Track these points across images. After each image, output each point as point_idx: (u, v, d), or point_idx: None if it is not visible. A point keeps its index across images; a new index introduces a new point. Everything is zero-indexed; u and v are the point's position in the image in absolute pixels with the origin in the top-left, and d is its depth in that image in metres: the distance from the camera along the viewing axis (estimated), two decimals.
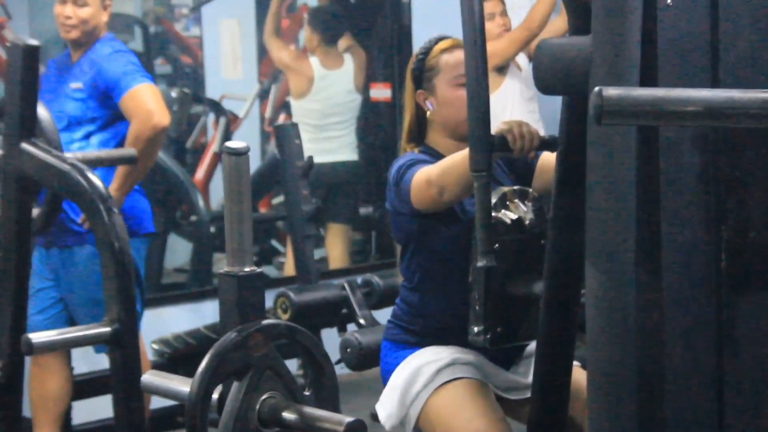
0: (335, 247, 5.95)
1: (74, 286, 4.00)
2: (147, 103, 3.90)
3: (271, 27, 5.78)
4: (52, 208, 2.91)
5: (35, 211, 2.90)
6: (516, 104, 5.10)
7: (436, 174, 2.68)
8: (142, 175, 4.01)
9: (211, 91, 6.46)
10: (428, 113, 2.88)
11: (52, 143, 2.81)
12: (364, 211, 5.96)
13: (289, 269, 5.75)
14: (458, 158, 2.61)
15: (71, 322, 4.05)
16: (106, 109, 3.99)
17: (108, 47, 4.04)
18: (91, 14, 4.01)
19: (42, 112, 2.83)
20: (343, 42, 5.94)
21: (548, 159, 2.96)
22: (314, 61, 5.79)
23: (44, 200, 2.90)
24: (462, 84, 2.81)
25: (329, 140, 5.51)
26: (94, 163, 3.14)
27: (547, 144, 2.61)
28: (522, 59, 5.22)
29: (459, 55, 2.83)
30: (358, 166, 6.00)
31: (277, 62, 5.99)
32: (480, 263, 2.48)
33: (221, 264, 2.27)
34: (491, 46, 5.01)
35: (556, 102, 2.08)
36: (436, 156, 2.85)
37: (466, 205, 2.79)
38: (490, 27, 5.10)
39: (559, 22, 4.98)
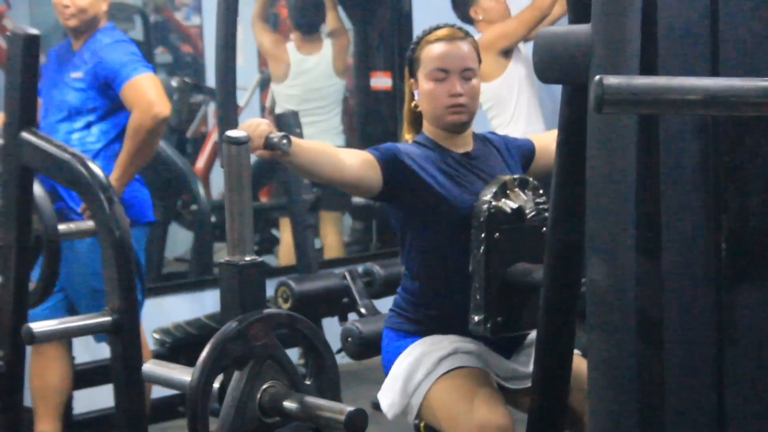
0: (329, 235, 5.93)
1: (75, 276, 4.00)
2: (147, 93, 3.90)
3: (258, 10, 5.77)
4: (48, 282, 2.92)
5: (31, 285, 2.91)
6: (523, 88, 5.06)
7: None
8: (143, 164, 4.01)
9: (212, 81, 6.44)
10: (413, 102, 2.91)
11: None
12: (358, 199, 5.94)
13: (284, 257, 5.75)
14: None
15: (72, 311, 4.05)
16: (107, 99, 3.99)
17: (108, 37, 4.04)
18: (89, 3, 4.01)
19: None
20: (330, 23, 5.92)
21: (545, 143, 2.98)
22: (290, 46, 5.78)
23: (39, 275, 2.91)
24: (436, 78, 2.83)
25: (310, 125, 5.45)
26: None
27: (271, 145, 2.57)
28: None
29: (440, 48, 2.85)
30: None
31: (259, 46, 5.98)
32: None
33: (222, 253, 2.28)
34: (501, 28, 5.00)
35: (557, 91, 2.08)
36: (431, 145, 2.87)
37: (457, 195, 2.80)
38: (494, 5, 5.04)
39: (556, 9, 4.96)
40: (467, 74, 2.85)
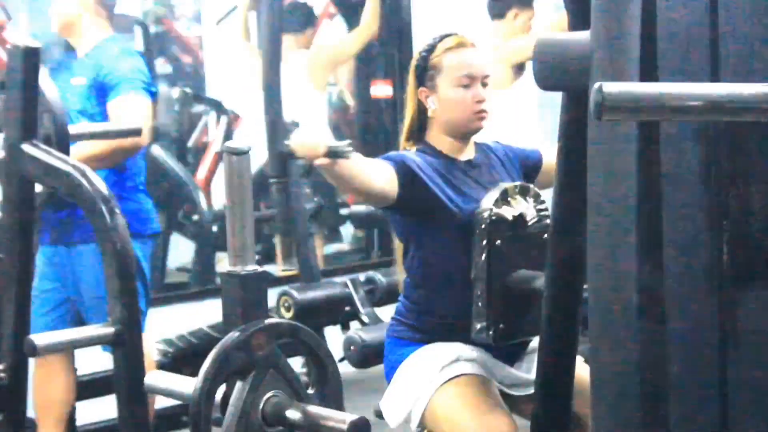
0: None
1: (81, 285, 3.99)
2: (133, 116, 3.85)
3: (241, 30, 5.71)
4: None
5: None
6: (531, 104, 5.06)
7: None
8: (97, 168, 3.93)
9: (212, 91, 6.46)
10: (429, 111, 2.89)
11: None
12: (359, 207, 5.94)
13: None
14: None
15: (79, 321, 4.04)
16: (105, 106, 3.98)
17: (116, 47, 4.03)
18: (65, 9, 4.01)
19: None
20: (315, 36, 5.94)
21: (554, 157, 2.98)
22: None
23: None
24: (464, 85, 2.83)
25: None
26: (100, 137, 3.47)
27: (333, 153, 2.57)
28: None
29: (462, 55, 2.85)
30: None
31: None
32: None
33: (224, 263, 2.28)
34: (519, 43, 4.97)
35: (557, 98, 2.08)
36: (435, 154, 2.87)
37: (460, 202, 2.80)
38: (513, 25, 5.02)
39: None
40: (486, 81, 2.87)
